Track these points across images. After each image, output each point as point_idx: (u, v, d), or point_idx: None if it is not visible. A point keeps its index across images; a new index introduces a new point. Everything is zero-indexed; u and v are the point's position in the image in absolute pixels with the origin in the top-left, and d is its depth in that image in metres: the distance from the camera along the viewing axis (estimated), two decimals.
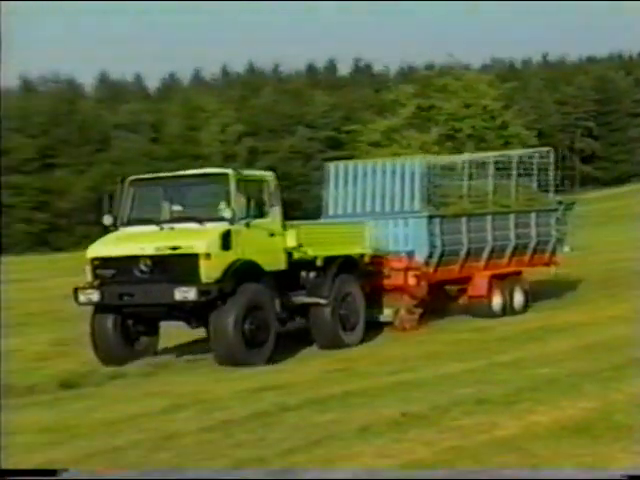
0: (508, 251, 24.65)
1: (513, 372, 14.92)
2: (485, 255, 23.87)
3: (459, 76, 79.36)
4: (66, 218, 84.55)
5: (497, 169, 25.00)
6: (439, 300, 23.49)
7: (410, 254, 21.77)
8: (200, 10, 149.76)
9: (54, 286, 35.63)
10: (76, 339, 20.87)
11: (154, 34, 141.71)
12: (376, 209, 23.16)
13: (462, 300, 23.90)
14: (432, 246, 22.11)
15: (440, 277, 22.69)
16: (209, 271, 17.03)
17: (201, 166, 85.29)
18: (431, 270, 22.16)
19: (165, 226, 18.04)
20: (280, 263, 18.73)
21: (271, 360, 17.83)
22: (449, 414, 11.85)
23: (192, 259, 17.04)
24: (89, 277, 17.71)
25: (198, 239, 17.39)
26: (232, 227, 17.56)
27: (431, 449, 10.04)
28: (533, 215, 25.66)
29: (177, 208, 18.51)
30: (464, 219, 23.30)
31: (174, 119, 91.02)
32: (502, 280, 23.94)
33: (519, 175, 25.53)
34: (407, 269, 21.36)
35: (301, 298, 19.27)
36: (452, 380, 14.50)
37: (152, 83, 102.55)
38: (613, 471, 5.99)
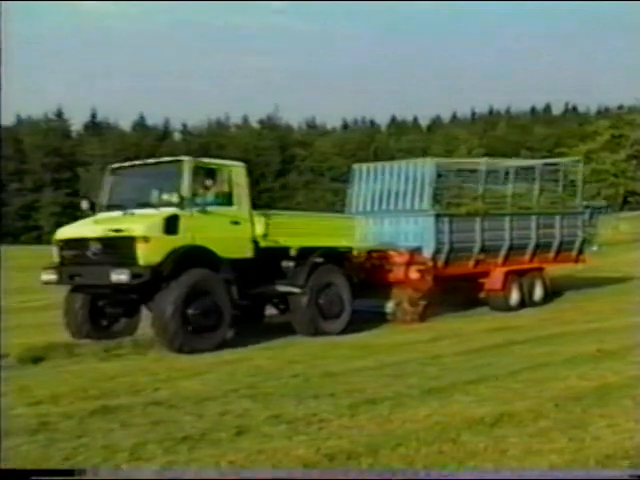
0: (529, 249, 19.36)
1: None
2: (503, 252, 18.65)
3: None
4: None
5: (519, 175, 19.66)
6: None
7: (418, 250, 16.96)
8: (447, 62, 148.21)
9: None
10: None
11: (421, 81, 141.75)
12: (391, 207, 18.31)
13: (482, 293, 18.58)
14: (439, 243, 17.28)
15: (452, 272, 17.59)
16: (147, 254, 12.42)
17: None
18: (440, 265, 17.32)
19: (128, 211, 13.35)
20: (244, 251, 13.64)
21: (222, 346, 12.62)
22: (633, 352, 11.10)
23: (131, 242, 12.48)
24: (55, 257, 13.44)
25: (139, 223, 12.78)
26: (181, 212, 12.83)
27: (619, 376, 9.44)
28: (557, 217, 20.18)
29: (164, 195, 13.28)
30: (478, 219, 18.13)
31: (437, 145, 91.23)
32: (521, 275, 18.85)
33: (542, 181, 20.08)
34: (409, 263, 16.58)
35: (277, 287, 14.41)
36: (636, 328, 13.53)
37: (424, 122, 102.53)
38: (618, 471, 5.28)
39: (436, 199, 17.57)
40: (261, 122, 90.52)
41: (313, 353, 11.95)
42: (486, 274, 18.38)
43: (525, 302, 18.71)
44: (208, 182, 13.54)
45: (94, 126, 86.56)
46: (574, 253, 20.80)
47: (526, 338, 13.06)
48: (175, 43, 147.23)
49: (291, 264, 14.58)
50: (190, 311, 12.49)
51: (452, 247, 17.46)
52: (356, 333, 14.38)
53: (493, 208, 18.61)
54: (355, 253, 15.94)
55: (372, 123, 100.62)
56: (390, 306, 16.31)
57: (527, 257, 19.34)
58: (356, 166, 19.71)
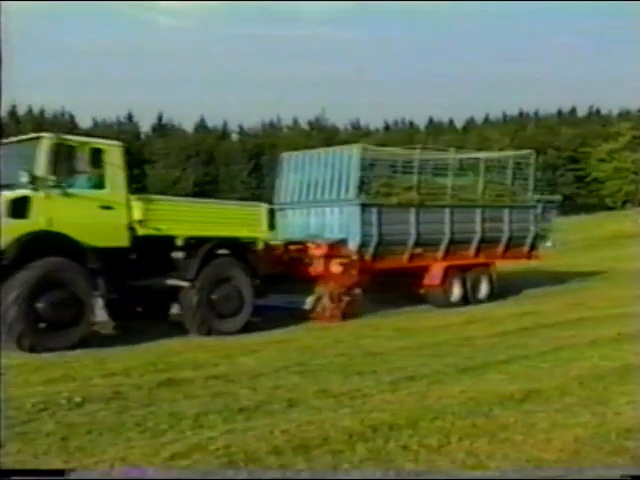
0: (474, 243, 16.86)
1: None
2: (443, 246, 16.17)
3: None
4: None
5: (461, 168, 17.12)
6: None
7: (343, 242, 14.41)
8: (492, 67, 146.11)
9: None
10: None
11: (454, 85, 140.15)
12: (317, 197, 15.50)
13: (422, 289, 16.09)
14: (366, 235, 14.66)
15: (383, 266, 15.00)
16: None
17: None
18: (368, 259, 14.71)
19: None
20: (117, 239, 11.01)
21: (77, 346, 10.16)
22: None
23: None
24: None
25: None
26: (34, 194, 10.18)
27: (639, 358, 9.17)
28: (506, 210, 17.65)
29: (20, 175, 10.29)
30: (412, 210, 15.56)
31: (470, 145, 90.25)
32: (465, 271, 16.38)
33: (491, 173, 17.63)
34: (329, 256, 13.96)
35: (165, 280, 11.73)
36: None
37: (459, 123, 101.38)
38: (614, 470, 5.11)
39: (362, 188, 14.96)
40: (310, 124, 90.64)
41: (357, 334, 11.93)
42: (426, 269, 16.01)
43: (469, 299, 16.36)
44: (74, 162, 10.87)
45: (160, 128, 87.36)
46: (526, 248, 18.39)
47: (552, 322, 12.90)
48: (233, 53, 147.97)
49: (181, 255, 11.96)
50: (40, 305, 10.04)
51: (382, 239, 14.97)
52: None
53: (430, 199, 16.07)
54: (261, 245, 13.26)
55: (411, 124, 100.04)
56: (309, 302, 13.76)
57: (472, 252, 16.92)
58: (285, 154, 16.91)
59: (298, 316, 13.65)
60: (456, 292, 16.27)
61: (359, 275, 14.24)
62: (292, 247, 14.41)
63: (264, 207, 13.55)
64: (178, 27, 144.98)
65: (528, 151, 19.77)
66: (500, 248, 17.66)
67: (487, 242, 17.21)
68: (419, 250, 15.75)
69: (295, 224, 15.59)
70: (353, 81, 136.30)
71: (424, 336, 11.57)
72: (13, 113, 79.63)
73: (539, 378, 8.12)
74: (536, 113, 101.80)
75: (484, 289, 16.88)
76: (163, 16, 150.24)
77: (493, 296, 16.92)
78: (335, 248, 14.24)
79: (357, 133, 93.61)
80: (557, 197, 22.30)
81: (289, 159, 16.62)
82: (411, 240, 15.59)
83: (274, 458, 5.30)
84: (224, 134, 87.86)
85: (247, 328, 12.44)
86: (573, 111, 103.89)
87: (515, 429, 6.09)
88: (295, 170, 16.20)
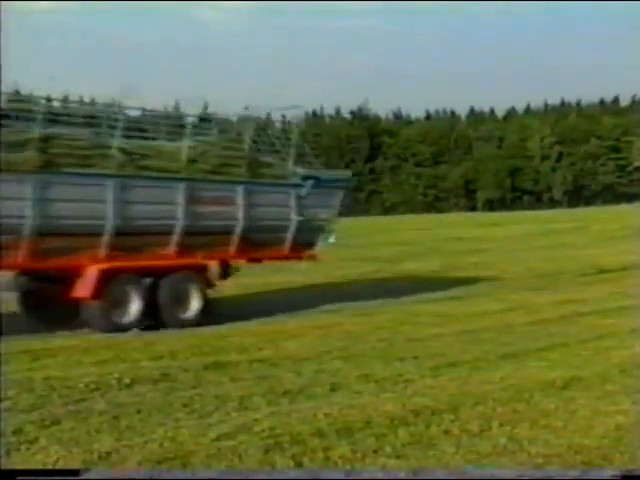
0: (174, 235, 11.37)
1: None
2: (105, 237, 10.61)
3: None
4: (445, 192, 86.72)
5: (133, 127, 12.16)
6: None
7: None
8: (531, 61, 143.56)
9: None
10: None
11: (503, 76, 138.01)
12: None
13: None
14: None
15: None
16: None
17: (529, 164, 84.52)
18: None
19: None
20: None
21: None
22: None
23: None
24: None
25: None
26: None
27: None
28: (239, 189, 12.13)
29: None
30: (31, 179, 9.94)
31: (512, 134, 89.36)
32: (157, 276, 11.06)
33: (197, 135, 12.72)
34: None
35: None
36: None
37: (500, 112, 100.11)
38: (607, 471, 4.77)
39: None
40: (352, 113, 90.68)
41: (397, 320, 11.87)
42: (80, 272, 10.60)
43: (164, 319, 11.03)
44: None
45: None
46: (286, 245, 12.83)
47: (592, 310, 12.65)
48: (277, 44, 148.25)
49: None
50: None
51: None
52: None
53: (73, 164, 10.61)
54: None
55: (452, 113, 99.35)
56: None
57: (171, 248, 11.47)
58: None
59: None
60: (133, 309, 10.89)
61: None
62: None
63: None
64: (223, 20, 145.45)
65: (292, 105, 14.85)
66: (232, 244, 12.20)
67: (205, 234, 11.83)
68: (56, 242, 10.28)
69: None
70: (396, 71, 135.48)
71: (464, 323, 11.42)
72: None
73: (580, 366, 8.01)
74: (578, 102, 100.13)
75: (195, 304, 11.49)
76: (206, 9, 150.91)
77: (209, 314, 11.51)
78: None
79: (399, 122, 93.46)
80: (345, 173, 16.20)
81: None
82: (28, 226, 10.00)
83: (317, 440, 5.32)
84: (267, 123, 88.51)
85: None
86: (616, 100, 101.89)
87: (556, 415, 6.03)
88: None
